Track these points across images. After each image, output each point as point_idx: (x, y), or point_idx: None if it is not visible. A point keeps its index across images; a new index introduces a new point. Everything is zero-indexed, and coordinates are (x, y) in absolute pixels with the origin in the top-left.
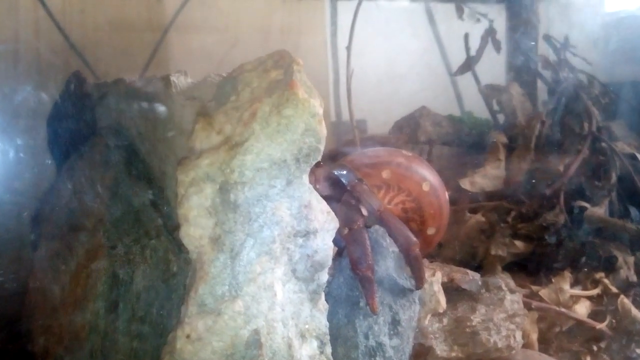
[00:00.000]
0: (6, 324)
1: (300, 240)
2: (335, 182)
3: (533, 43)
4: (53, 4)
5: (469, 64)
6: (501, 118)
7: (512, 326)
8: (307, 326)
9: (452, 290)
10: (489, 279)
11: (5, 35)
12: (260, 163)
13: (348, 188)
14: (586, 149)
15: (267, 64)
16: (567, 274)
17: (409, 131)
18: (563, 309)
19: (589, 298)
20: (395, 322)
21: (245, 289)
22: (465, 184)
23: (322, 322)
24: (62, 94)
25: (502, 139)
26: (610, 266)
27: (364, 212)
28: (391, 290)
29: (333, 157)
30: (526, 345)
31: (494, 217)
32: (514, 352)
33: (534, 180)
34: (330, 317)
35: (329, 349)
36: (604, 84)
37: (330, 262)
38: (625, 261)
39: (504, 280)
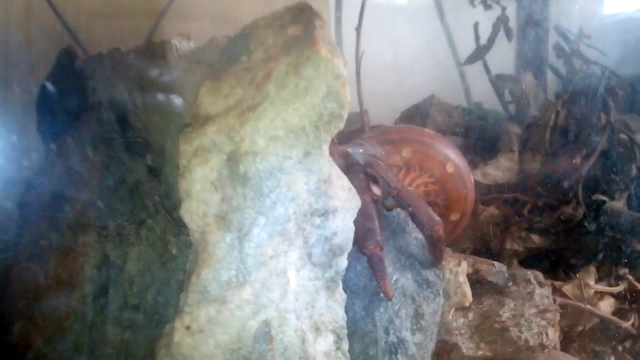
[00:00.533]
0: None
1: (317, 220)
2: (350, 160)
3: (545, 32)
4: None
5: (479, 53)
6: (512, 109)
7: (544, 322)
8: (322, 318)
9: (476, 283)
10: (516, 271)
11: None
12: (274, 130)
13: (362, 165)
14: (604, 140)
15: (284, 18)
16: (593, 269)
17: (418, 121)
18: (588, 306)
19: (612, 295)
20: (418, 316)
21: (255, 275)
22: (477, 175)
23: (339, 315)
24: (51, 72)
25: (515, 129)
26: (634, 262)
27: (376, 190)
28: (414, 280)
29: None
30: None
31: (509, 210)
32: (546, 351)
33: (549, 173)
34: (346, 309)
35: (345, 345)
36: (618, 76)
37: (350, 246)
38: None
39: (532, 272)
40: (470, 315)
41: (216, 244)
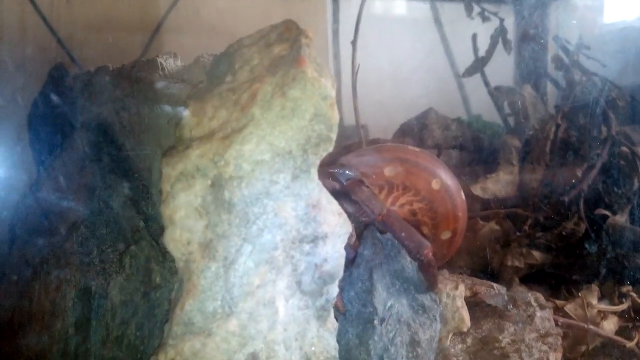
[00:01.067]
0: None
1: (307, 247)
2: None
3: (543, 42)
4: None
5: (478, 65)
6: (512, 122)
7: (545, 347)
8: (313, 349)
9: (475, 306)
10: (516, 293)
11: None
12: (260, 154)
13: (345, 189)
14: (606, 153)
15: (270, 37)
16: (596, 288)
17: (416, 135)
18: (592, 326)
19: (616, 314)
20: (414, 343)
21: (242, 305)
22: (476, 190)
23: (331, 344)
24: (43, 89)
25: (515, 143)
26: (638, 279)
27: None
28: (410, 306)
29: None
30: None
31: (509, 225)
32: None
33: (550, 187)
34: (340, 337)
35: None
36: (619, 87)
37: (341, 274)
38: None
39: (533, 295)
40: (469, 340)
41: (201, 273)
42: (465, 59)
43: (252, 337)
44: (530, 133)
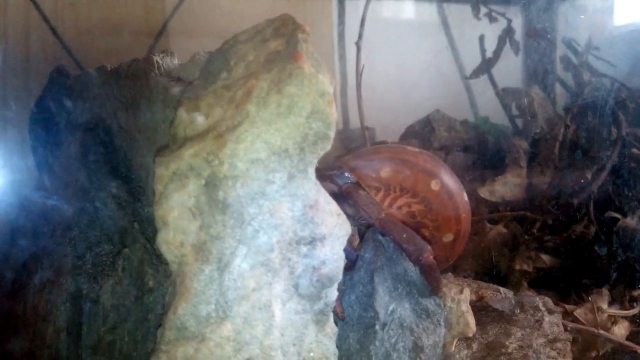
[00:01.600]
0: None
1: (304, 249)
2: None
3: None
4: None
5: (485, 67)
6: (520, 123)
7: (553, 353)
8: (312, 354)
9: (480, 311)
10: (523, 297)
11: None
12: (255, 153)
13: (342, 193)
14: (615, 155)
15: (266, 32)
16: (606, 292)
17: (422, 137)
18: (602, 331)
19: (627, 318)
20: (417, 349)
21: (236, 309)
22: (484, 192)
23: (330, 350)
24: (43, 91)
25: (523, 144)
26: None
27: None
28: (413, 310)
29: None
30: None
31: (517, 228)
32: None
33: (559, 189)
34: (340, 342)
35: None
36: (629, 88)
37: (340, 276)
38: None
39: (541, 299)
40: (475, 346)
41: (194, 276)
42: (472, 60)
43: (247, 342)
44: (537, 131)
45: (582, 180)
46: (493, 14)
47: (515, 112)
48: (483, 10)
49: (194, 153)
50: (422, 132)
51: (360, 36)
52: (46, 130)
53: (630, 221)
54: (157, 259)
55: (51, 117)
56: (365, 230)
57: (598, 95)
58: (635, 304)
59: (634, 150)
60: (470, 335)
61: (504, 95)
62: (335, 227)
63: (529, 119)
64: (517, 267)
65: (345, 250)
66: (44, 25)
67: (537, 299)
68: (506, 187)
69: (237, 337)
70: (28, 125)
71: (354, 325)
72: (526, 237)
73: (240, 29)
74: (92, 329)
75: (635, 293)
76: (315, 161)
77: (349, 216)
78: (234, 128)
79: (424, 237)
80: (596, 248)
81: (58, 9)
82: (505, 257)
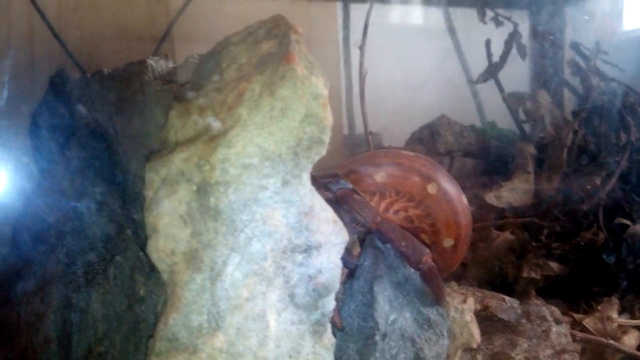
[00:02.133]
0: None
1: (299, 257)
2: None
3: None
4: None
5: (492, 71)
6: (527, 128)
7: None
8: None
9: (485, 320)
10: (530, 307)
11: None
12: (247, 158)
13: (337, 198)
14: (625, 160)
15: (258, 33)
16: (615, 300)
17: (428, 142)
18: (612, 341)
19: (637, 328)
20: None
21: (229, 320)
22: (490, 198)
23: None
24: (44, 96)
25: (531, 150)
26: None
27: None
28: (414, 320)
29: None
30: None
31: (525, 235)
32: None
33: (567, 195)
34: (339, 353)
35: None
36: (638, 93)
37: (337, 285)
38: None
39: (548, 308)
40: (479, 357)
41: (185, 285)
42: (479, 65)
43: (241, 354)
44: (545, 136)
45: (590, 186)
46: (499, 18)
47: (522, 117)
48: (489, 14)
49: (184, 158)
50: (428, 137)
51: (363, 40)
52: (46, 135)
53: None
54: (149, 267)
55: (51, 122)
56: (364, 238)
57: (606, 99)
58: None
59: None
60: (475, 346)
61: (510, 100)
62: (331, 235)
63: (539, 123)
64: (525, 274)
65: (343, 258)
66: (47, 31)
67: (544, 308)
68: (513, 193)
69: (230, 349)
70: (29, 130)
71: (354, 336)
72: (534, 244)
73: None
74: (82, 340)
75: None
76: (310, 166)
77: (346, 223)
78: (226, 132)
79: (423, 242)
80: (605, 256)
81: (61, 14)
82: (513, 264)
